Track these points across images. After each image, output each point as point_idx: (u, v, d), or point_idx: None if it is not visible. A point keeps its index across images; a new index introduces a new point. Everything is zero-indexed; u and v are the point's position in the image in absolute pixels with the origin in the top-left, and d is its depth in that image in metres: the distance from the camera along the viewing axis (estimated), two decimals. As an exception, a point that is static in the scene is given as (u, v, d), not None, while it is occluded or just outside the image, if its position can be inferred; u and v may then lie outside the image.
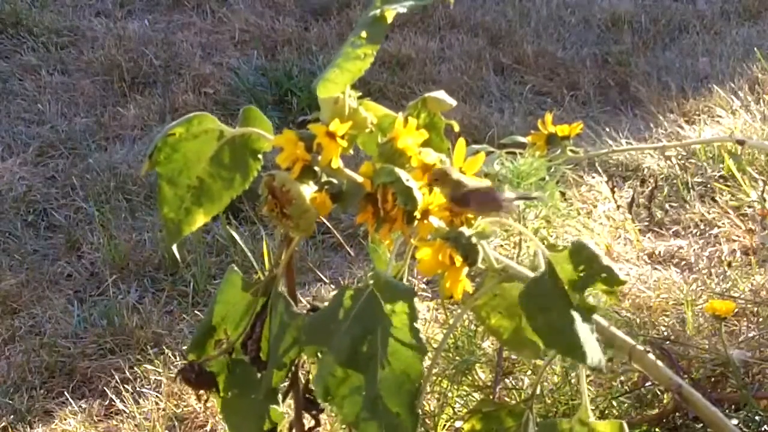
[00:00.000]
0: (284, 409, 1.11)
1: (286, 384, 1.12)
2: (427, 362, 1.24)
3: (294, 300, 1.07)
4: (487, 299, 1.06)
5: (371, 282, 0.97)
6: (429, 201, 0.99)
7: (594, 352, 0.94)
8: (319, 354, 0.98)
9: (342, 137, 0.97)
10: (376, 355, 0.95)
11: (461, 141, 1.01)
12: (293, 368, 1.09)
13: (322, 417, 1.19)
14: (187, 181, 1.01)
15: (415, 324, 0.96)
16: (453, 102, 1.15)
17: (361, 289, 0.98)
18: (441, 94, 1.14)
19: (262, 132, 1.02)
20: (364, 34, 0.97)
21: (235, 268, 1.10)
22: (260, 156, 1.02)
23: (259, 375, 1.07)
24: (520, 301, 0.97)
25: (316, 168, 1.00)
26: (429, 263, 1.00)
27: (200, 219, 1.04)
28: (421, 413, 1.11)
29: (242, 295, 1.07)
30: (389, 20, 0.98)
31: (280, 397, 1.11)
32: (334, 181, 1.01)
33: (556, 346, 0.96)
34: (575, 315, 0.95)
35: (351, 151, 1.03)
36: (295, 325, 1.01)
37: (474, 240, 0.99)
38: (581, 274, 0.96)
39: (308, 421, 1.18)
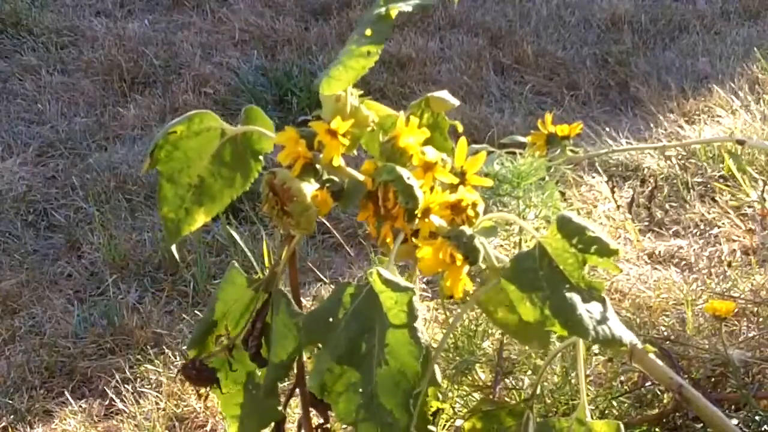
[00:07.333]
0: (291, 407, 1.10)
1: (290, 381, 1.12)
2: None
3: (297, 296, 1.07)
4: (492, 294, 1.06)
5: (371, 278, 0.96)
6: (430, 200, 0.99)
7: (606, 331, 0.94)
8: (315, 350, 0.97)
9: (343, 135, 0.97)
10: (373, 352, 0.94)
11: (463, 140, 1.01)
12: (299, 366, 1.09)
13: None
14: (188, 180, 1.00)
15: (414, 324, 0.95)
16: (456, 102, 1.14)
17: (360, 286, 0.97)
18: (444, 94, 1.14)
19: (263, 130, 1.01)
20: (368, 32, 0.96)
21: (236, 265, 1.09)
22: (261, 157, 1.02)
23: (259, 372, 1.07)
24: (507, 278, 0.97)
25: (318, 166, 1.00)
26: (430, 262, 1.00)
27: (200, 219, 1.03)
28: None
29: (243, 292, 1.07)
30: (393, 18, 0.98)
31: (284, 396, 1.11)
32: (335, 179, 1.01)
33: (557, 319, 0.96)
34: (573, 293, 0.95)
35: (354, 152, 1.03)
36: (295, 323, 1.01)
37: (475, 239, 0.99)
38: (579, 247, 0.96)
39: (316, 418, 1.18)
